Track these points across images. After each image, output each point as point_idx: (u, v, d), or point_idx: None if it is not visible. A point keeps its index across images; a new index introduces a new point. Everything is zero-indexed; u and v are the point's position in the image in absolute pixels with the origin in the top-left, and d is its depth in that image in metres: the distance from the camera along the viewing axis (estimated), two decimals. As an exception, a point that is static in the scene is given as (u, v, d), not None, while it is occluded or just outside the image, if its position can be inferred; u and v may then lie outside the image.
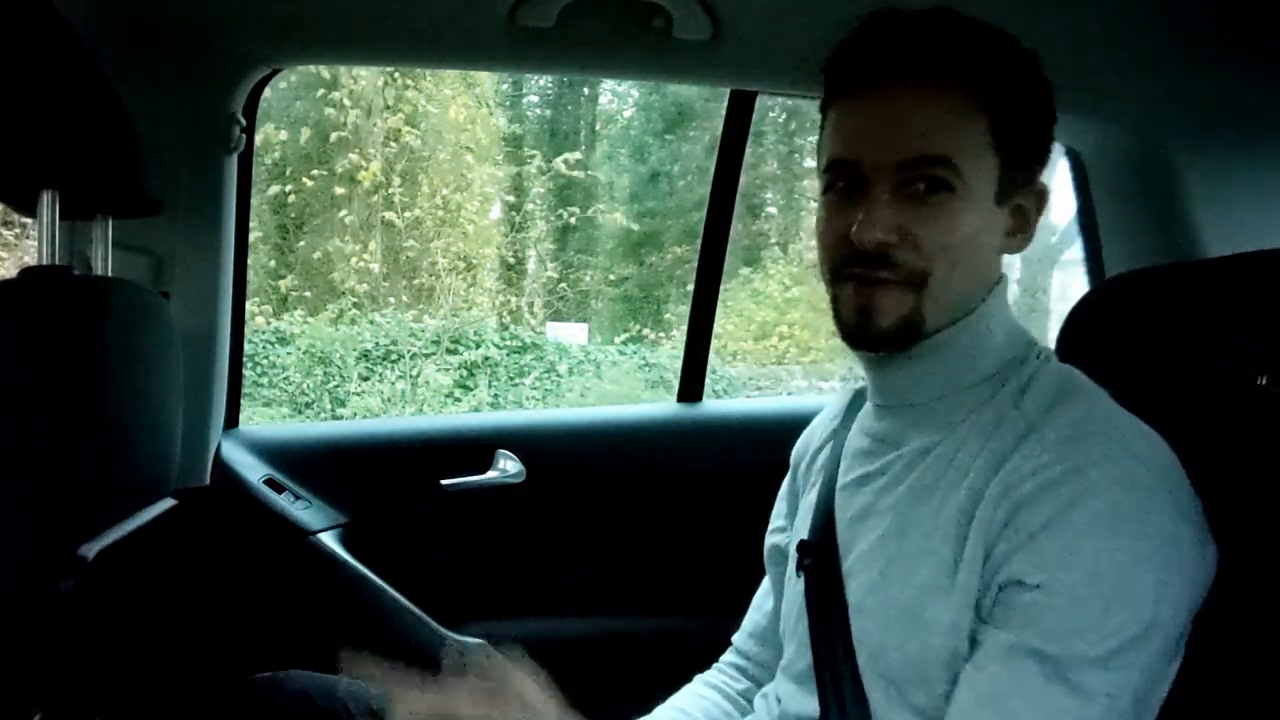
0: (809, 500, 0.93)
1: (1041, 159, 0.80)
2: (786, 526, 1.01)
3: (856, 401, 0.95)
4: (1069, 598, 0.66)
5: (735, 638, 1.08)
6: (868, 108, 0.76)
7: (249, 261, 1.61)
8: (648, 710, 1.05)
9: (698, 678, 1.07)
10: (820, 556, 0.85)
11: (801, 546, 0.89)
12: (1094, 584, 0.66)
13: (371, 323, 6.03)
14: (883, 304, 0.76)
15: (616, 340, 6.71)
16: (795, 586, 0.89)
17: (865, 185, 0.76)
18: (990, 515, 0.71)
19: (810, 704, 0.84)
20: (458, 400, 5.80)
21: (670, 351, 6.23)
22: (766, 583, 1.06)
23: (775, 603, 1.01)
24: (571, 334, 6.66)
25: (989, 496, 0.72)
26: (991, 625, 0.70)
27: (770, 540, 1.03)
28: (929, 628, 0.73)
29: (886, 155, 0.75)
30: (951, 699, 0.71)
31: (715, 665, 1.08)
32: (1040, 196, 0.82)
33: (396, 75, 6.04)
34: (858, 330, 0.78)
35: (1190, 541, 0.69)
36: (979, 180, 0.75)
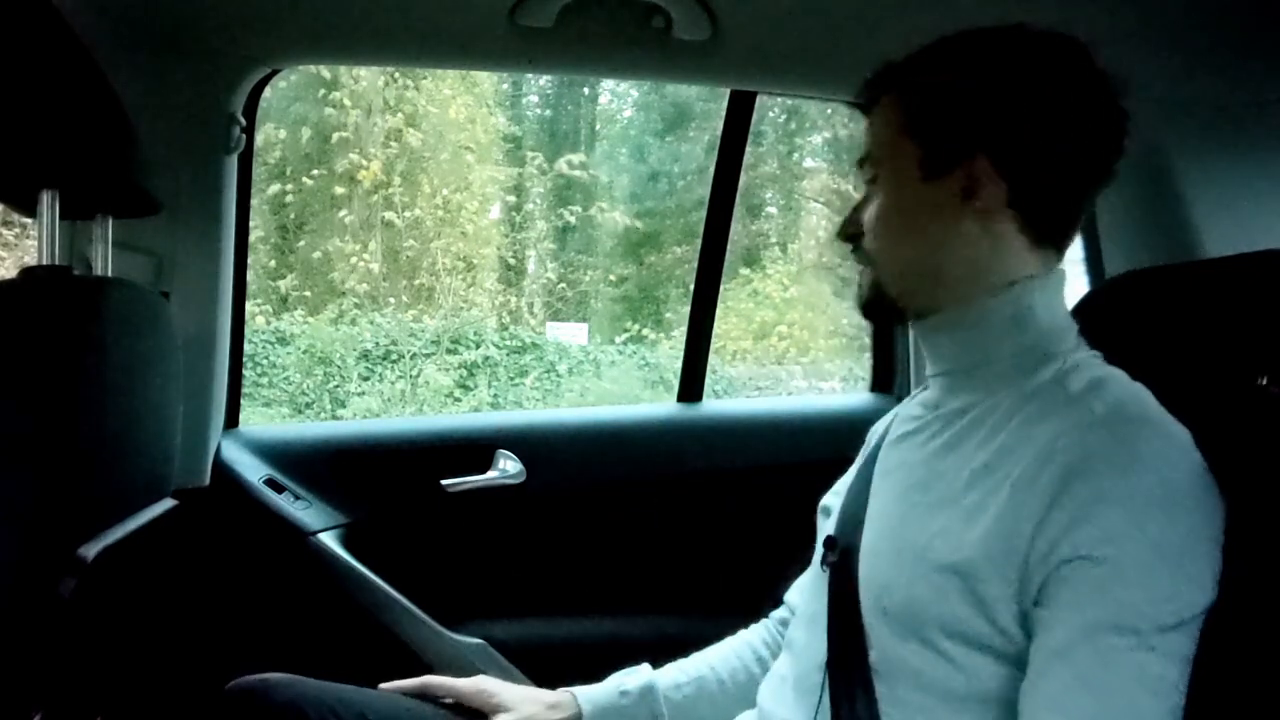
0: (849, 479, 1.00)
1: (967, 136, 0.85)
2: (841, 490, 1.05)
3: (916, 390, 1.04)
4: (1138, 569, 0.69)
5: (787, 593, 1.12)
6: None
7: (249, 261, 1.61)
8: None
9: (740, 632, 1.13)
10: (845, 543, 0.89)
11: (828, 541, 0.92)
12: (1160, 555, 0.69)
13: (371, 323, 6.03)
14: (860, 282, 0.93)
15: (616, 340, 6.71)
16: (821, 573, 0.93)
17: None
18: (1029, 475, 0.74)
19: (814, 648, 0.88)
20: (458, 400, 5.80)
21: (670, 351, 6.23)
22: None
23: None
24: (571, 334, 6.66)
25: (1027, 460, 0.75)
26: (1059, 606, 0.71)
27: (824, 500, 1.08)
28: (938, 570, 0.76)
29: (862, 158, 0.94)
30: (1034, 688, 0.71)
31: (765, 620, 1.14)
32: (997, 164, 0.88)
33: (396, 75, 6.04)
34: (857, 299, 0.95)
35: (1222, 529, 0.73)
36: (899, 166, 0.88)
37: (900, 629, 0.79)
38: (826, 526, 0.98)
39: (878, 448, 0.96)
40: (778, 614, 1.13)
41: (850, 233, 0.93)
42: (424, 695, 1.05)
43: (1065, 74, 0.87)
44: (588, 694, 1.05)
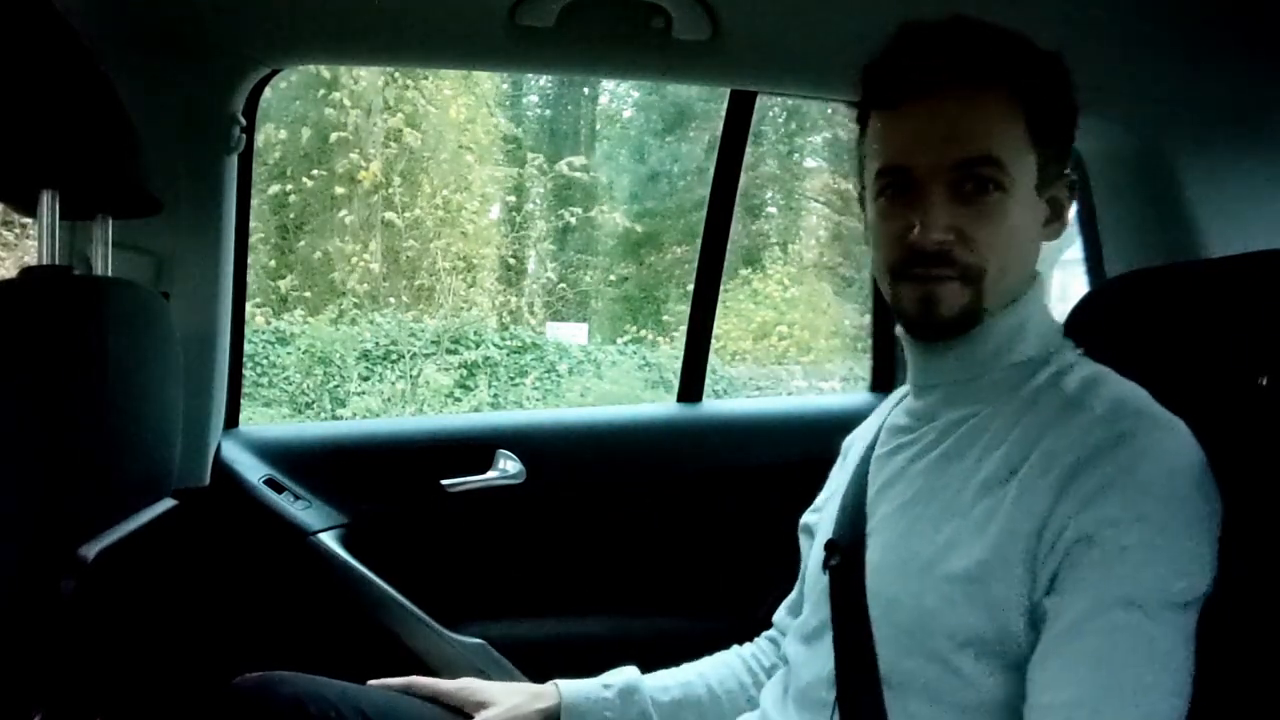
0: (840, 484, 0.98)
1: (1068, 149, 0.86)
2: (821, 507, 1.05)
3: (895, 400, 1.01)
4: (1141, 548, 0.70)
5: (775, 614, 1.12)
6: (916, 116, 0.81)
7: (249, 261, 1.61)
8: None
9: (733, 647, 1.12)
10: (846, 558, 0.88)
11: (829, 545, 0.92)
12: (1162, 538, 0.70)
13: (371, 323, 6.03)
14: (944, 296, 0.82)
15: (617, 340, 6.71)
16: (820, 577, 0.93)
17: (917, 188, 0.81)
18: (1035, 478, 0.75)
19: (818, 660, 0.87)
20: (458, 400, 5.80)
21: (670, 352, 6.22)
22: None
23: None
24: (571, 334, 6.66)
25: (1032, 463, 0.76)
26: (1066, 591, 0.72)
27: (804, 519, 1.08)
28: (947, 580, 0.76)
29: (938, 160, 0.80)
30: (1043, 664, 0.72)
31: (756, 639, 1.13)
32: (1070, 187, 0.88)
33: (396, 75, 6.04)
34: (922, 322, 0.85)
35: (1219, 523, 0.73)
36: (1022, 175, 0.81)
37: (910, 642, 0.79)
38: (821, 535, 0.97)
39: (867, 459, 0.95)
40: (768, 634, 1.13)
41: (941, 242, 0.81)
42: (409, 693, 1.05)
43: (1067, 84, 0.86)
44: (569, 684, 1.06)
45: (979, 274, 0.81)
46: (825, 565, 0.91)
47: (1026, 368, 0.85)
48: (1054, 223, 0.87)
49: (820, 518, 1.03)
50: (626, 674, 1.06)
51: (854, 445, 1.04)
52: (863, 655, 0.82)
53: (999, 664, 0.75)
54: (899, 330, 0.92)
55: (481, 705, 1.03)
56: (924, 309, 0.83)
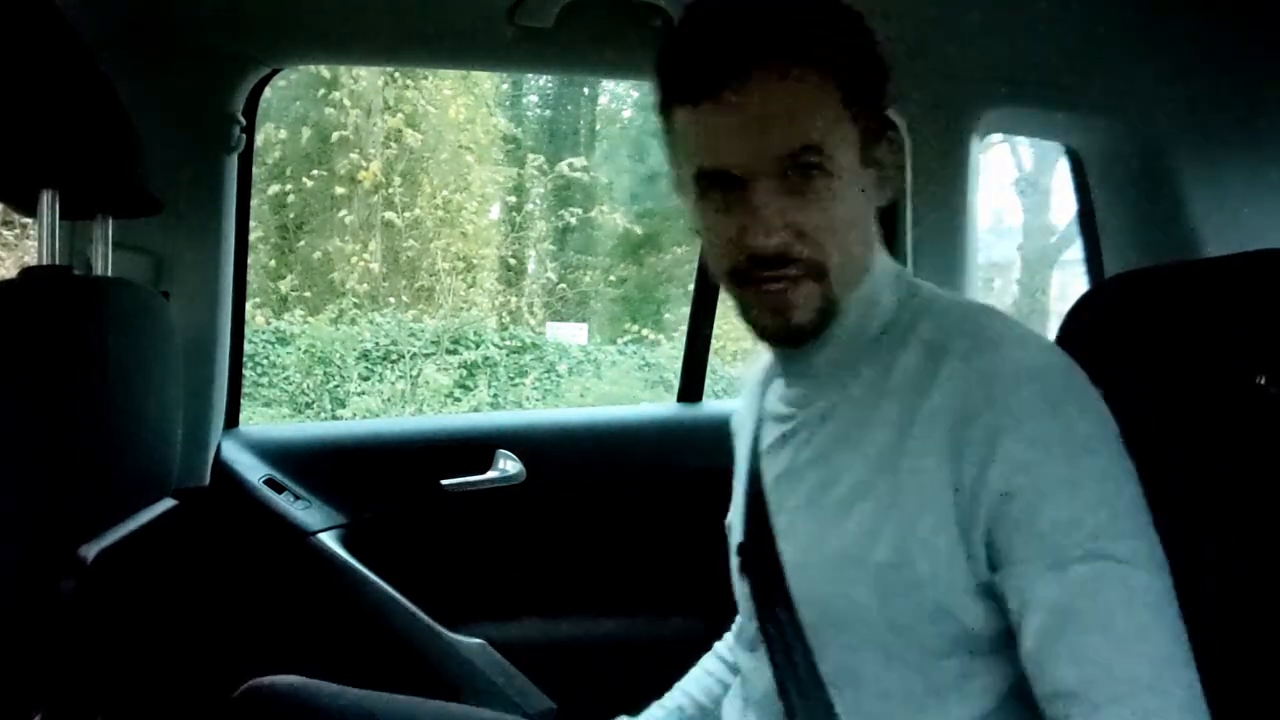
0: (739, 485, 0.94)
1: (884, 108, 0.80)
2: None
3: (771, 371, 0.95)
4: (1058, 484, 0.67)
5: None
6: (726, 110, 0.73)
7: (249, 261, 1.61)
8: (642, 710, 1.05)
9: (711, 653, 1.10)
10: (760, 561, 0.85)
11: (741, 549, 0.88)
12: (1071, 463, 0.67)
13: (371, 323, 6.03)
14: (795, 300, 0.76)
15: (616, 340, 6.71)
16: (742, 584, 0.89)
17: (741, 187, 0.74)
18: (926, 445, 0.71)
19: (763, 669, 0.84)
20: (458, 400, 5.80)
21: (670, 352, 6.23)
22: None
23: None
24: (571, 334, 6.66)
25: (919, 425, 0.72)
26: (1014, 565, 0.68)
27: (729, 517, 1.03)
28: (874, 570, 0.73)
29: (759, 155, 0.73)
30: (1040, 650, 0.67)
31: (726, 635, 1.11)
32: (892, 142, 0.82)
33: (396, 75, 6.04)
34: (777, 331, 0.79)
35: (1115, 427, 0.71)
36: (845, 154, 0.75)
37: (851, 638, 0.77)
38: (734, 537, 0.93)
39: (756, 454, 0.89)
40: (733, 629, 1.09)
41: (785, 243, 0.74)
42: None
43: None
44: None
45: (824, 268, 0.76)
46: (741, 571, 0.88)
47: (879, 327, 0.81)
48: (884, 187, 0.81)
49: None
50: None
51: (741, 430, 0.98)
52: (801, 659, 0.79)
53: (946, 645, 0.73)
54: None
55: None
56: (778, 318, 0.77)
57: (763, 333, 0.80)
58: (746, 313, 0.80)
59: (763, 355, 1.00)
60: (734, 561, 0.91)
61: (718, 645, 1.11)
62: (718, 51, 0.73)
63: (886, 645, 0.74)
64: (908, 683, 0.74)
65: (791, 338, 0.79)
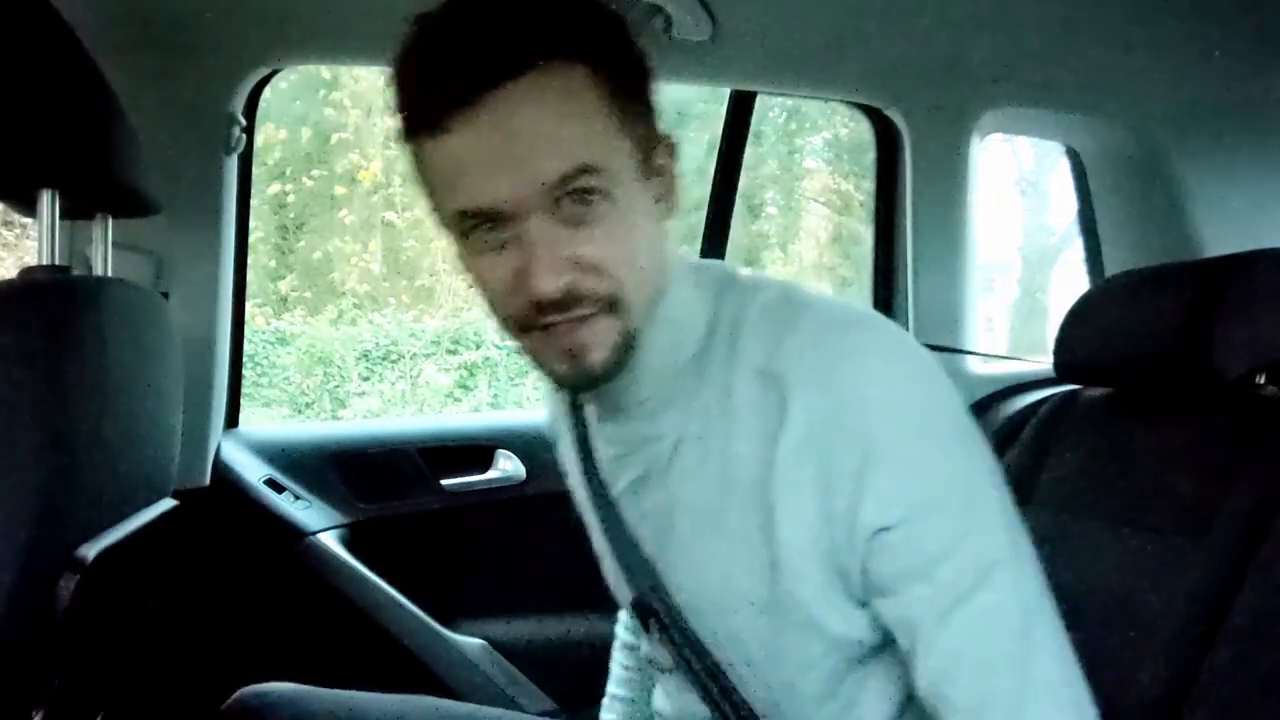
0: (586, 506, 0.87)
1: (651, 108, 0.69)
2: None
3: (577, 401, 0.86)
4: (932, 514, 0.64)
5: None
6: (476, 136, 0.61)
7: (249, 261, 1.61)
8: (643, 710, 1.05)
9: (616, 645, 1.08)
10: (659, 613, 0.78)
11: (639, 608, 0.80)
12: (944, 488, 0.64)
13: (371, 323, 6.03)
14: (590, 340, 0.67)
15: (617, 340, 6.70)
16: (652, 638, 0.82)
17: (509, 224, 0.64)
18: (793, 481, 0.66)
19: (685, 689, 0.80)
20: (458, 400, 5.80)
21: (670, 351, 6.21)
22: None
23: None
24: (571, 334, 6.66)
25: (781, 463, 0.66)
26: (892, 592, 0.65)
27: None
28: (755, 603, 0.70)
29: (525, 189, 0.62)
30: (917, 671, 0.65)
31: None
32: (667, 143, 0.71)
33: (397, 75, 6.04)
34: (574, 377, 0.69)
35: (956, 393, 0.67)
36: (623, 170, 0.65)
37: (768, 672, 0.74)
38: (616, 586, 0.87)
39: (605, 496, 0.82)
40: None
41: (572, 284, 0.64)
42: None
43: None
44: None
45: (619, 301, 0.66)
46: (646, 627, 0.80)
47: (689, 344, 0.72)
48: (668, 196, 0.71)
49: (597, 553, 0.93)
50: None
51: (570, 468, 0.91)
52: (716, 686, 0.75)
53: (840, 664, 0.71)
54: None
55: None
56: (573, 362, 0.67)
57: (559, 380, 0.71)
58: (537, 359, 0.70)
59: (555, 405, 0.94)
60: (629, 620, 0.87)
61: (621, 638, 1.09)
62: (457, 66, 0.61)
63: (794, 679, 0.72)
64: (823, 709, 0.73)
65: (590, 382, 0.69)
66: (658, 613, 0.77)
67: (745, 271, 0.77)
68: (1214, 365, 0.85)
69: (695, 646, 0.75)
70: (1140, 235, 1.54)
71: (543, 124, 0.61)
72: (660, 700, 0.91)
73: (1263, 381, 0.87)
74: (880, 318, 0.70)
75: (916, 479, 0.64)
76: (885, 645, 0.70)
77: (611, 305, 0.66)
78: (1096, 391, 1.07)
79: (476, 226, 0.66)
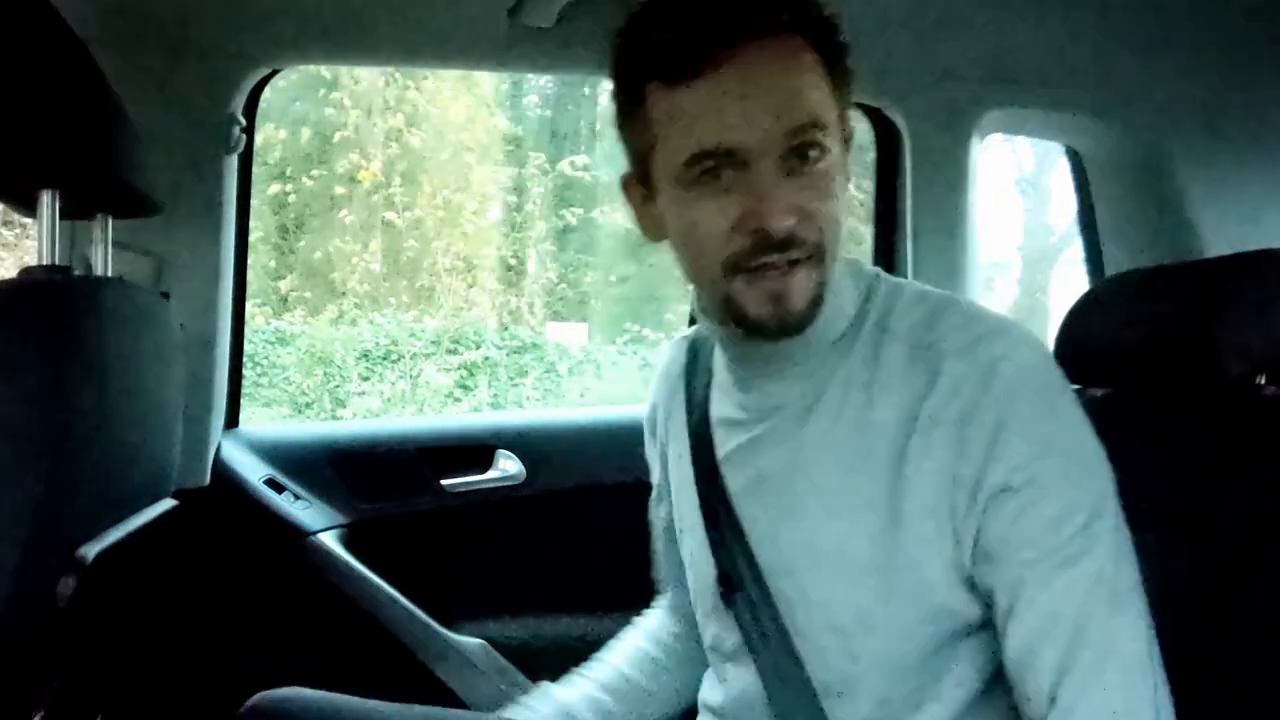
0: (684, 483, 0.90)
1: (849, 87, 0.76)
2: (664, 495, 1.00)
3: (694, 364, 0.92)
4: (1056, 481, 0.68)
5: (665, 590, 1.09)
6: (726, 84, 0.68)
7: (249, 261, 1.61)
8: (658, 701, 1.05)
9: (635, 625, 1.10)
10: (745, 585, 0.81)
11: (725, 580, 0.83)
12: (1068, 458, 0.69)
13: (372, 323, 6.03)
14: (795, 286, 0.72)
15: (617, 340, 6.70)
16: (715, 597, 0.85)
17: (743, 168, 0.70)
18: (928, 444, 0.71)
19: (747, 679, 0.82)
20: (458, 400, 5.80)
21: (670, 352, 6.21)
22: (658, 540, 1.08)
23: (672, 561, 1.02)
24: (571, 334, 6.66)
25: (920, 427, 0.71)
26: (1001, 557, 0.69)
27: (658, 510, 1.04)
28: (876, 572, 0.73)
29: (767, 132, 0.69)
30: (1007, 633, 0.69)
31: (651, 613, 1.11)
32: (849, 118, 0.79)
33: (397, 75, 6.03)
34: (773, 322, 0.73)
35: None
36: (835, 133, 0.73)
37: (849, 644, 0.75)
38: (695, 555, 0.88)
39: (708, 464, 0.85)
40: (667, 603, 1.09)
41: (790, 226, 0.70)
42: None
43: None
44: None
45: (823, 253, 0.72)
46: (726, 601, 0.82)
47: (844, 318, 0.78)
48: (848, 167, 0.78)
49: (666, 521, 0.98)
50: (554, 703, 0.97)
51: (668, 425, 0.95)
52: (791, 670, 0.77)
53: (940, 641, 0.73)
54: (707, 328, 0.84)
55: None
56: (775, 306, 0.72)
57: (757, 326, 0.74)
58: (732, 306, 0.74)
59: (664, 358, 0.99)
60: (702, 574, 0.87)
61: (647, 624, 1.10)
62: (719, 18, 0.68)
63: (885, 649, 0.74)
64: (903, 685, 0.75)
65: (789, 328, 0.74)
66: (744, 581, 0.80)
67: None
68: (1214, 365, 0.85)
69: (776, 619, 0.78)
70: (1140, 235, 1.54)
71: (786, 78, 0.69)
72: (709, 690, 0.91)
73: (1263, 382, 0.87)
74: (1007, 316, 0.77)
75: (1044, 448, 0.69)
76: (975, 628, 0.73)
77: (818, 255, 0.72)
78: (1097, 391, 1.07)
79: (707, 171, 0.71)
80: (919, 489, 0.71)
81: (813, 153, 0.70)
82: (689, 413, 0.90)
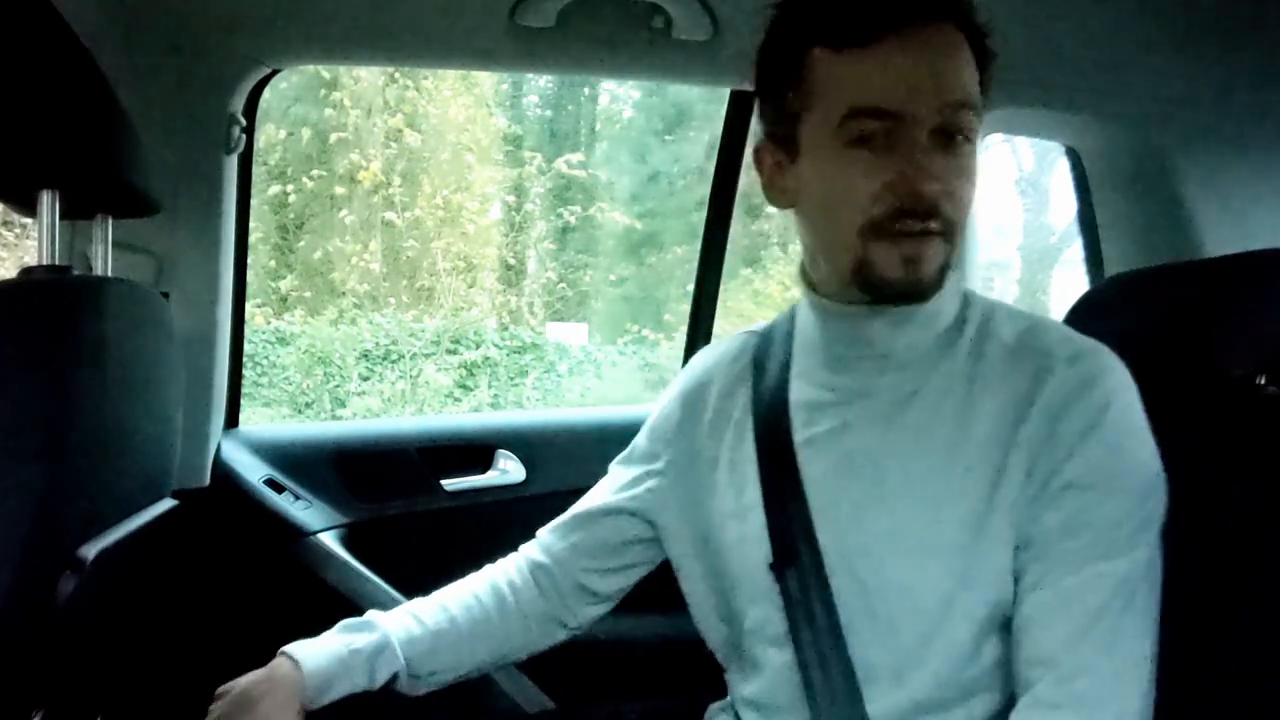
0: (736, 464, 0.90)
1: (988, 87, 0.79)
2: (647, 475, 0.98)
3: (766, 351, 0.94)
4: (1118, 492, 0.73)
5: (543, 536, 1.07)
6: (897, 54, 0.73)
7: (249, 261, 1.61)
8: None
9: (485, 569, 1.10)
10: (794, 552, 0.82)
11: (781, 559, 0.84)
12: (1135, 474, 0.74)
13: (371, 323, 6.03)
14: (928, 254, 0.75)
15: (617, 340, 6.70)
16: (766, 582, 0.85)
17: (900, 134, 0.74)
18: (1012, 437, 0.76)
19: (787, 665, 0.82)
20: (458, 400, 5.80)
21: (670, 352, 6.22)
22: (603, 491, 1.02)
23: (584, 535, 1.02)
24: (571, 334, 6.66)
25: (1031, 420, 0.76)
26: (1043, 542, 0.74)
27: (629, 469, 1.01)
28: (953, 558, 0.76)
29: (928, 104, 0.73)
30: (1024, 601, 0.74)
31: (516, 555, 1.09)
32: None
33: (397, 75, 6.04)
34: (904, 285, 0.76)
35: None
36: (976, 121, 0.77)
37: (901, 631, 0.77)
38: (749, 533, 0.87)
39: (784, 443, 0.86)
40: (529, 554, 1.07)
41: (937, 193, 0.74)
42: None
43: None
44: (307, 652, 0.93)
45: (956, 230, 0.76)
46: (778, 574, 0.83)
47: (951, 331, 0.83)
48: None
49: (636, 495, 0.97)
50: (372, 628, 0.96)
51: (718, 407, 0.94)
52: (835, 657, 0.79)
53: (990, 629, 0.76)
54: (812, 301, 0.86)
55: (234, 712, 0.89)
56: (910, 270, 0.75)
57: (888, 287, 0.77)
58: (866, 267, 0.77)
59: (724, 345, 0.99)
60: (752, 557, 0.86)
61: (496, 569, 1.09)
62: (880, 1, 0.74)
63: (956, 634, 0.76)
64: (961, 672, 0.76)
65: (919, 293, 0.77)
66: (804, 565, 0.81)
67: None
68: (1214, 365, 0.85)
69: (829, 602, 0.80)
70: (1140, 235, 1.54)
71: (948, 60, 0.74)
72: (740, 680, 0.91)
73: (1263, 382, 0.87)
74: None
75: (1120, 456, 0.74)
76: (1007, 634, 0.77)
77: (949, 232, 0.76)
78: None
79: (863, 134, 0.74)
80: (1015, 478, 0.75)
81: (960, 135, 0.75)
82: (756, 400, 0.91)
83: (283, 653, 0.93)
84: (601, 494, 1.02)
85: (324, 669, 0.91)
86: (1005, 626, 0.76)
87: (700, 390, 0.98)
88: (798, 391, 0.88)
